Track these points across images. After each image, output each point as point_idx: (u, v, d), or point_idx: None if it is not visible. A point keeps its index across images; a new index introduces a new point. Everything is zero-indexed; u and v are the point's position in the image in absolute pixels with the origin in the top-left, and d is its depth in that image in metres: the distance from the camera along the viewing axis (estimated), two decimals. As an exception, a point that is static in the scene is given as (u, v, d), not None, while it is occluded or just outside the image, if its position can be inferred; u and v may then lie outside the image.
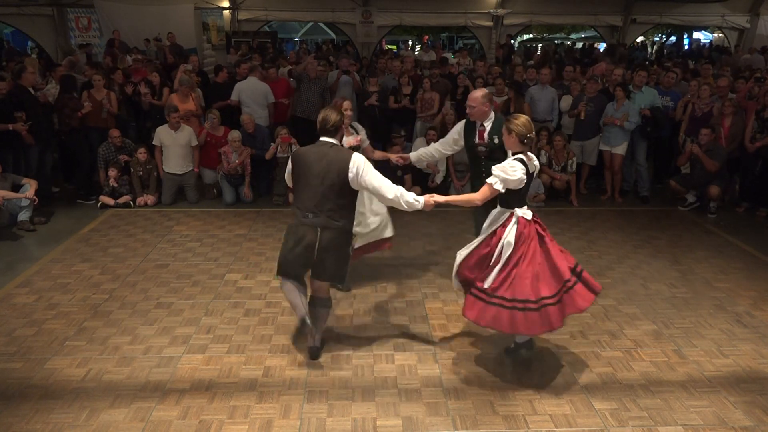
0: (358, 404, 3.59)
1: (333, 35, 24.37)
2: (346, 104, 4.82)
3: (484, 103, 4.49)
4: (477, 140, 4.61)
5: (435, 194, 3.88)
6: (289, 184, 4.04)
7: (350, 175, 3.72)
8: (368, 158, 5.04)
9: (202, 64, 11.82)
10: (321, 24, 22.44)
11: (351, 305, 4.87)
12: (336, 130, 3.87)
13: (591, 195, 8.09)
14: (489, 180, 3.69)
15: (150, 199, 7.44)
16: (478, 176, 4.71)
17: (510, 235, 3.68)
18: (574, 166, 7.61)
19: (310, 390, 3.72)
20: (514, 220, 3.72)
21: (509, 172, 3.63)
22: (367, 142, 5.10)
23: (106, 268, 5.55)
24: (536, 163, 3.83)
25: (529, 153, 3.77)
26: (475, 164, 4.76)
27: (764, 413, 3.55)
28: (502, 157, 4.16)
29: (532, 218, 3.75)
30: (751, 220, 7.22)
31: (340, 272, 3.95)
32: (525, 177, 3.67)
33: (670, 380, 3.87)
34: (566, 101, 8.09)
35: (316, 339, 4.09)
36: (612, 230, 6.73)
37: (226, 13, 16.48)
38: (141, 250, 5.98)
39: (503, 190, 3.69)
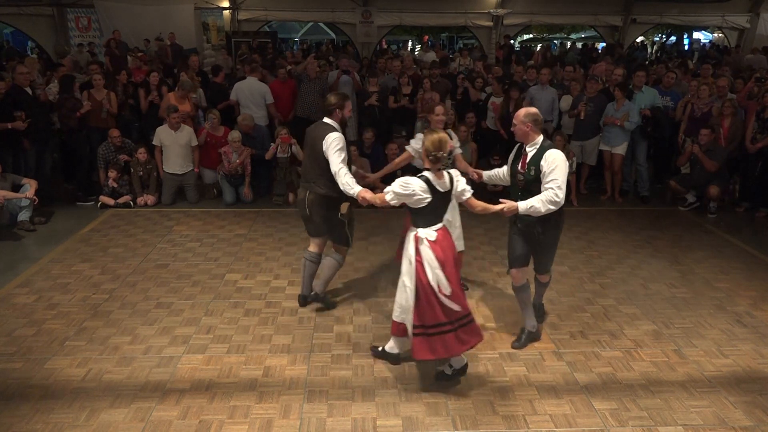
0: (358, 404, 3.59)
1: (333, 35, 24.37)
2: (438, 109, 4.68)
3: (526, 123, 3.89)
4: (519, 167, 4.01)
5: (370, 192, 3.96)
6: None
7: (324, 148, 4.22)
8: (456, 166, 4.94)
9: (202, 64, 11.82)
10: (321, 24, 22.45)
11: (351, 305, 4.86)
12: (330, 112, 4.35)
13: (591, 195, 8.10)
14: (386, 188, 3.62)
15: (150, 199, 7.44)
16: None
17: (432, 263, 3.48)
18: (574, 166, 7.60)
19: (310, 390, 3.72)
20: (422, 243, 3.51)
21: (400, 187, 3.47)
22: (460, 150, 5.03)
23: (106, 268, 5.55)
24: (455, 184, 3.58)
25: (446, 172, 3.56)
26: (512, 190, 4.13)
27: (764, 413, 3.55)
28: (537, 191, 3.81)
29: (438, 240, 3.52)
30: (751, 220, 7.22)
31: (334, 234, 4.56)
32: (425, 196, 3.43)
33: (670, 380, 3.87)
34: (566, 101, 8.09)
35: (304, 288, 4.75)
36: (612, 230, 6.73)
37: (226, 13, 16.48)
38: (141, 250, 5.98)
39: (395, 204, 3.55)
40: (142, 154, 7.39)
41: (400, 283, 3.70)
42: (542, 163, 3.80)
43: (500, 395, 3.69)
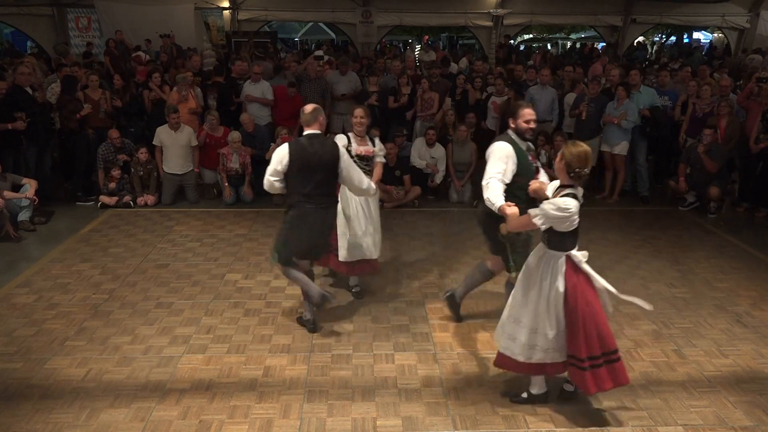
0: (358, 404, 3.59)
1: (333, 35, 24.36)
2: (358, 111, 4.57)
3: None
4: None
5: (514, 207, 3.46)
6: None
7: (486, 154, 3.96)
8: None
9: (202, 64, 11.81)
10: (321, 24, 22.44)
11: (351, 305, 4.86)
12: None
13: (591, 195, 8.09)
14: (532, 210, 3.27)
15: (150, 199, 7.44)
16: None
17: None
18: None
19: (310, 390, 3.72)
20: (581, 264, 3.33)
21: (557, 210, 3.13)
22: (383, 160, 5.12)
23: (106, 268, 5.55)
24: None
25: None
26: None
27: (764, 413, 3.55)
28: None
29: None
30: (751, 220, 7.22)
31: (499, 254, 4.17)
32: (577, 218, 3.18)
33: (670, 380, 3.87)
34: (570, 98, 8.10)
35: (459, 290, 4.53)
36: (612, 230, 6.73)
37: (226, 13, 16.48)
38: (141, 250, 5.98)
39: (542, 227, 3.23)
40: (143, 153, 7.39)
41: (532, 319, 3.35)
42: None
43: (500, 395, 3.69)
